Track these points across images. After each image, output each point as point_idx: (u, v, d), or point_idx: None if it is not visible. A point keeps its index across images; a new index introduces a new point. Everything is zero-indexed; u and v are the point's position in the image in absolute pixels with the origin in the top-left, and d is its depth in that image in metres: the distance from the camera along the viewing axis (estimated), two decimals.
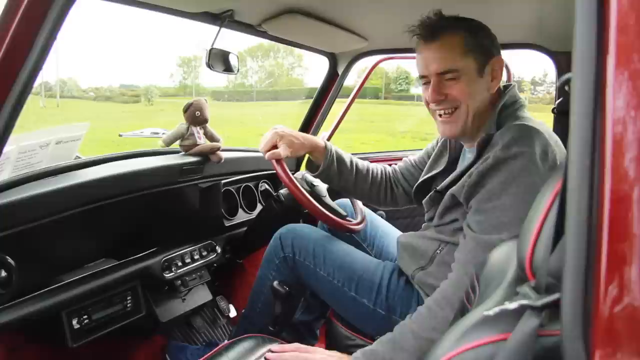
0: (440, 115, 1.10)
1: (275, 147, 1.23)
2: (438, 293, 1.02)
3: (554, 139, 1.03)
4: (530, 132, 1.00)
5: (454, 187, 1.07)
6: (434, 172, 1.25)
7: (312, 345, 1.49)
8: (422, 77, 1.10)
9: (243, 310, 1.45)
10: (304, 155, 1.41)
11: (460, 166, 1.18)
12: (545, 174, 0.94)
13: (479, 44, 1.05)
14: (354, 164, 1.37)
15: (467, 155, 1.19)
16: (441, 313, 0.97)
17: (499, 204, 0.96)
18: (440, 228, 1.15)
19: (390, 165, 1.49)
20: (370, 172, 1.40)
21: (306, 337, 1.48)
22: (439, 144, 1.30)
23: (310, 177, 1.40)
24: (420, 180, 1.28)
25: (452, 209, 1.10)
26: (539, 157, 0.96)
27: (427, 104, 1.12)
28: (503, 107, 1.08)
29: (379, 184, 1.41)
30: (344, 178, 1.35)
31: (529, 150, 0.96)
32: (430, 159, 1.30)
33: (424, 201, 1.20)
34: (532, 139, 0.98)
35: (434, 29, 1.06)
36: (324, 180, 1.38)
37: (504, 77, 1.14)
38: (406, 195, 1.42)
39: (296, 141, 1.26)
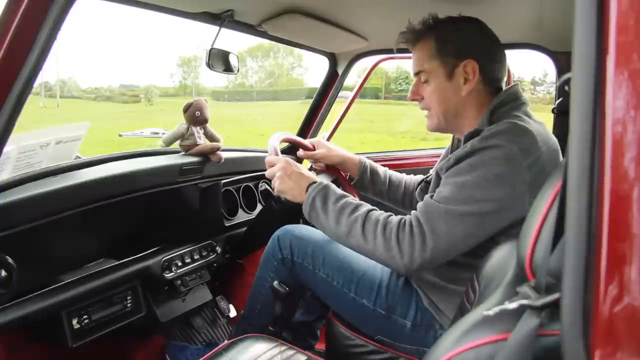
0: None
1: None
2: (391, 228, 1.03)
3: (546, 141, 1.03)
4: (516, 129, 1.00)
5: (437, 166, 1.12)
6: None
7: (313, 344, 1.49)
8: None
9: (242, 311, 1.45)
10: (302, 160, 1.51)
11: None
12: (522, 171, 0.96)
13: (448, 48, 1.10)
14: (387, 175, 1.46)
15: None
16: (373, 247, 1.02)
17: (459, 180, 1.00)
18: None
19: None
20: (404, 183, 1.46)
21: (306, 337, 1.48)
22: (448, 147, 1.34)
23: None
24: (423, 178, 1.32)
25: None
26: (518, 153, 0.96)
27: None
28: (498, 105, 1.08)
29: (411, 193, 1.45)
30: (377, 188, 1.44)
31: (506, 145, 0.97)
32: (438, 162, 1.32)
33: (416, 192, 1.24)
34: (514, 135, 0.99)
35: (413, 35, 1.15)
36: (358, 189, 1.44)
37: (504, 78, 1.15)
38: None
39: (334, 154, 1.41)
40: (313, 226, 1.44)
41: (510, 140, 0.97)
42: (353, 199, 1.11)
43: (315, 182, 1.13)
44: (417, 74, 1.15)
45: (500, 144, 0.97)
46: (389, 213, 1.08)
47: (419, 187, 1.24)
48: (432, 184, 1.13)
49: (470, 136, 1.06)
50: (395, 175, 1.48)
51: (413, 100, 1.18)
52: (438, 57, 1.11)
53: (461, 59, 1.09)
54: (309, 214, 1.11)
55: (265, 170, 1.18)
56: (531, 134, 1.00)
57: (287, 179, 1.14)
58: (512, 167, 0.96)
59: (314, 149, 1.43)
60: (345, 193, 1.12)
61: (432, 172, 1.30)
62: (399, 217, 1.05)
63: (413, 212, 1.04)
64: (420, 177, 1.49)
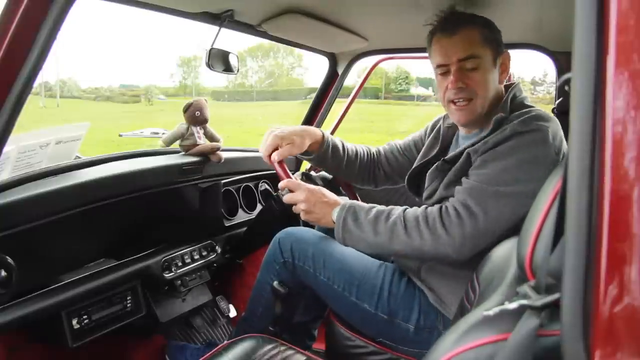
0: (454, 103, 1.15)
1: (277, 149, 1.23)
2: (437, 222, 1.04)
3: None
4: (546, 115, 1.07)
5: (471, 148, 1.10)
6: (426, 158, 1.28)
7: (310, 345, 1.48)
8: (440, 66, 1.15)
9: (243, 313, 1.44)
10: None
11: (463, 145, 1.21)
12: (552, 154, 1.02)
13: (493, 37, 1.13)
14: (346, 149, 1.41)
15: (461, 141, 1.23)
16: (420, 241, 1.05)
17: (501, 163, 1.03)
18: (444, 203, 1.14)
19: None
20: (359, 155, 1.44)
21: (303, 338, 1.47)
22: (432, 133, 1.33)
23: (311, 176, 1.41)
24: (413, 168, 1.31)
25: (460, 179, 1.11)
26: (551, 137, 1.03)
27: (444, 92, 1.16)
28: (514, 95, 1.14)
29: (365, 165, 1.45)
30: (336, 162, 1.39)
31: (544, 128, 1.03)
32: (425, 147, 1.33)
33: (428, 172, 1.21)
34: (548, 120, 1.05)
35: (454, 23, 1.13)
36: (315, 164, 1.41)
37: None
38: (386, 178, 1.47)
39: (297, 139, 1.26)
40: (313, 227, 1.44)
41: (546, 124, 1.04)
42: (382, 207, 1.13)
43: (339, 206, 1.14)
44: (463, 60, 1.11)
45: (540, 128, 1.03)
46: (424, 206, 1.10)
47: (434, 166, 1.20)
48: (459, 164, 1.12)
49: (500, 121, 1.09)
50: (351, 148, 1.43)
51: (459, 87, 1.12)
52: (488, 44, 1.12)
53: (502, 50, 1.15)
54: (343, 237, 1.12)
55: (266, 170, 1.18)
56: (556, 120, 1.07)
57: (312, 209, 1.16)
58: (547, 149, 1.02)
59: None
60: (372, 204, 1.14)
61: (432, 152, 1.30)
62: (437, 206, 1.08)
63: (452, 198, 1.08)
64: (371, 147, 1.49)
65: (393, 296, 1.18)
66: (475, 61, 1.11)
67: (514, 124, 1.05)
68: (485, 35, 1.12)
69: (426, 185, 1.22)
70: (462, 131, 1.24)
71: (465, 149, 1.12)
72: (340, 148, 1.39)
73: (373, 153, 1.47)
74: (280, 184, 1.19)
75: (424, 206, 1.10)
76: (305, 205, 1.15)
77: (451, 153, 1.17)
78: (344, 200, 1.17)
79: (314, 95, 2.02)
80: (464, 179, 1.09)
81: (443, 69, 1.15)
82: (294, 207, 1.18)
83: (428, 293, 1.16)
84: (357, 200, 1.51)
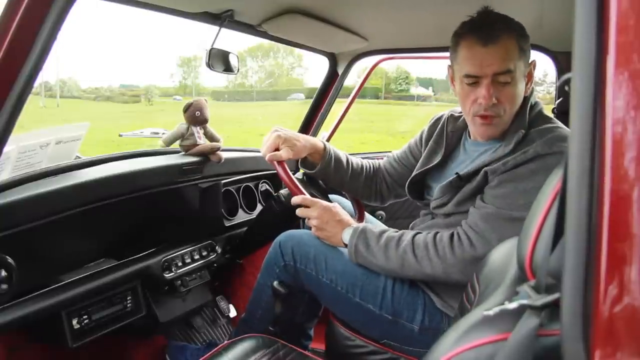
0: (480, 117, 1.10)
1: (277, 149, 1.25)
2: (446, 249, 1.06)
3: None
4: (566, 133, 1.04)
5: (489, 167, 1.07)
6: (429, 166, 1.27)
7: (306, 345, 1.47)
8: (469, 77, 1.08)
9: (243, 315, 1.44)
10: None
11: (471, 154, 1.20)
12: None
13: (527, 46, 1.09)
14: (350, 163, 1.41)
15: (469, 147, 1.21)
16: (431, 269, 1.07)
17: (520, 186, 1.01)
18: (454, 217, 1.15)
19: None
20: (364, 169, 1.44)
21: (299, 338, 1.46)
22: (433, 137, 1.31)
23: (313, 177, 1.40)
24: (414, 174, 1.30)
25: (474, 197, 1.10)
26: None
27: (470, 105, 1.10)
28: (531, 106, 1.12)
29: (370, 179, 1.45)
30: (339, 176, 1.39)
31: (565, 151, 0.99)
32: (426, 153, 1.31)
33: (440, 186, 1.18)
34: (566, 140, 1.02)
35: (490, 28, 1.05)
36: (319, 178, 1.41)
37: None
38: (389, 191, 1.47)
39: (298, 143, 1.28)
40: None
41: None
42: (393, 231, 1.15)
43: (351, 228, 1.17)
44: (499, 74, 1.05)
45: (562, 150, 1.00)
46: (434, 231, 1.11)
47: (448, 181, 1.15)
48: (475, 183, 1.09)
49: (520, 139, 1.06)
50: (355, 161, 1.44)
51: (489, 104, 1.06)
52: (523, 55, 1.06)
53: (529, 58, 1.10)
54: (356, 261, 1.16)
55: (266, 170, 1.18)
56: None
57: (324, 227, 1.20)
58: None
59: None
60: (383, 228, 1.17)
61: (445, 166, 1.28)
62: (448, 232, 1.08)
63: (464, 222, 1.08)
64: (374, 163, 1.49)
65: (397, 296, 1.17)
66: (510, 75, 1.05)
67: (537, 145, 1.02)
68: (521, 45, 1.06)
69: (435, 195, 1.20)
70: (472, 137, 1.21)
71: (482, 167, 1.09)
72: (344, 161, 1.40)
73: (375, 167, 1.48)
74: (295, 200, 1.22)
75: (434, 232, 1.10)
76: (317, 222, 1.19)
77: (466, 169, 1.14)
78: (354, 221, 1.20)
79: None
80: (478, 200, 1.07)
81: (472, 80, 1.08)
82: (307, 221, 1.22)
83: (434, 298, 1.16)
84: (364, 210, 1.50)
